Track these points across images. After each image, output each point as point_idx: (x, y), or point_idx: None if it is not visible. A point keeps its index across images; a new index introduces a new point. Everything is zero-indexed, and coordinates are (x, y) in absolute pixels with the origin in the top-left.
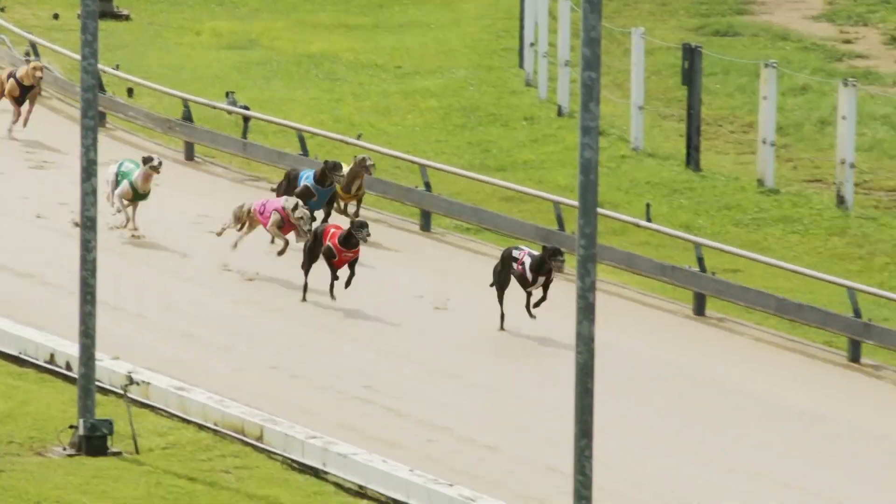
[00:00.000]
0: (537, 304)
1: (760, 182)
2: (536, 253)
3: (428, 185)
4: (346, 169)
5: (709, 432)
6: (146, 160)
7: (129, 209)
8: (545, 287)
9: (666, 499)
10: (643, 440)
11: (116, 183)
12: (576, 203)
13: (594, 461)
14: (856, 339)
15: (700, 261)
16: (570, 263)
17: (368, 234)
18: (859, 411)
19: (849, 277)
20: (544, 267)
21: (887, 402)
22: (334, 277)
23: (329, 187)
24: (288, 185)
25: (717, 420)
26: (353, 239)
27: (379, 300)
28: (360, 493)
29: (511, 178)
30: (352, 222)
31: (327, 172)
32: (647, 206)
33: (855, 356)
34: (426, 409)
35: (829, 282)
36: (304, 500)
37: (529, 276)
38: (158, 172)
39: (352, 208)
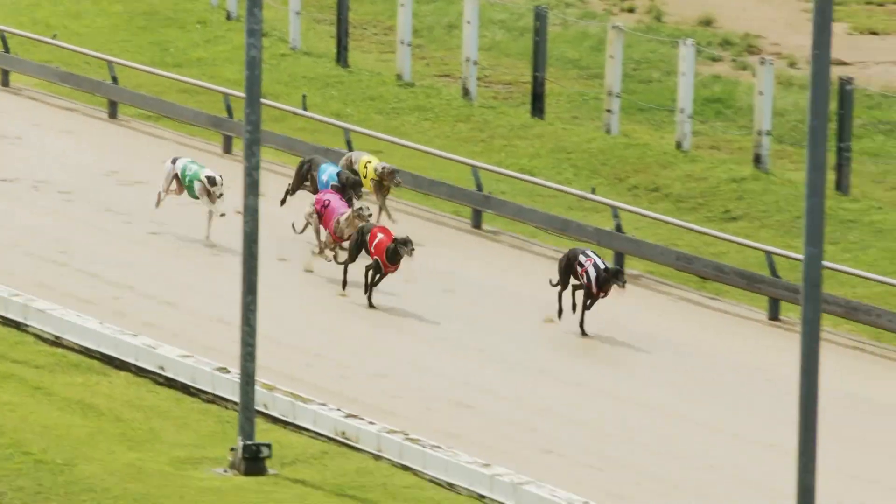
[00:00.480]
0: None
1: (399, 77)
2: (602, 265)
3: (115, 80)
4: (376, 163)
5: None
6: (211, 181)
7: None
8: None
9: None
10: None
11: (181, 182)
12: (242, 94)
13: None
14: (478, 209)
15: (348, 143)
16: (240, 146)
17: (413, 249)
18: (483, 270)
19: (472, 157)
20: (608, 285)
21: (506, 260)
22: (374, 285)
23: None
24: (305, 180)
25: None
26: (398, 255)
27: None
28: (57, 342)
29: (187, 73)
30: (395, 239)
31: (348, 189)
32: (304, 97)
33: (477, 223)
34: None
35: (456, 161)
36: (8, 349)
37: (594, 289)
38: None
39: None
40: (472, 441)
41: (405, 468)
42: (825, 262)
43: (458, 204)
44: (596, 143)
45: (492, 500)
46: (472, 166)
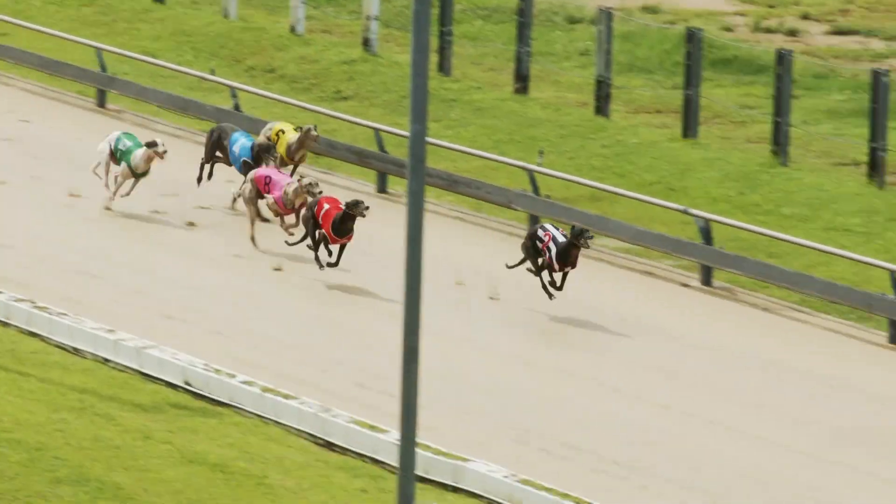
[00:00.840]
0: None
1: None
2: (562, 238)
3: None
4: (291, 136)
5: None
6: (150, 144)
7: (127, 183)
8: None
9: None
10: None
11: (114, 158)
12: None
13: None
14: (102, 88)
15: None
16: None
17: (367, 208)
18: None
19: (96, 40)
20: (571, 254)
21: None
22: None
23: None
24: (214, 146)
25: None
26: (347, 226)
27: None
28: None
29: None
30: (346, 203)
31: (262, 154)
32: None
33: (101, 102)
34: None
35: (81, 43)
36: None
37: (556, 266)
38: (163, 159)
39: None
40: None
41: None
42: (429, 139)
43: (83, 84)
44: (215, 26)
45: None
46: (96, 48)
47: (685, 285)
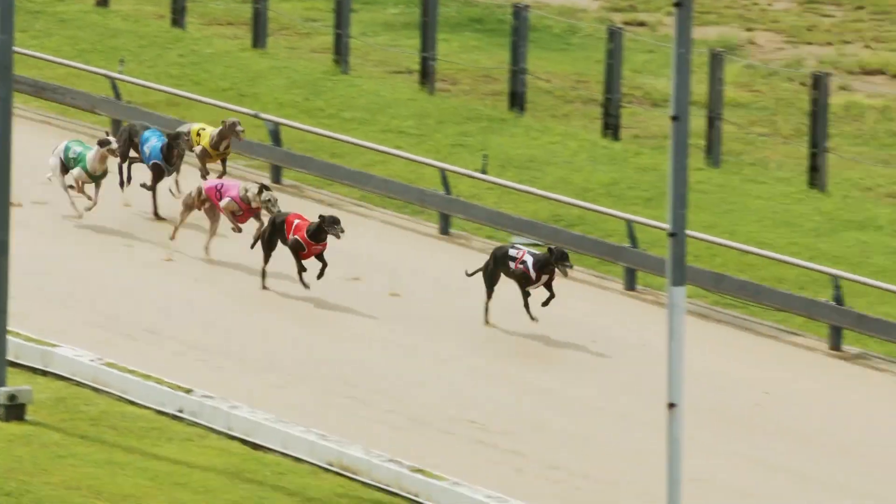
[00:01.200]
0: (546, 303)
1: None
2: (537, 252)
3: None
4: (210, 129)
5: None
6: (102, 143)
7: (89, 188)
8: (548, 285)
9: None
10: None
11: (65, 167)
12: None
13: None
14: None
15: None
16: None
17: (342, 230)
18: None
19: None
20: (548, 267)
21: None
22: (302, 269)
23: (177, 160)
24: (126, 144)
25: None
26: (322, 233)
27: None
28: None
29: None
30: (323, 217)
31: (172, 143)
32: None
33: None
34: None
35: None
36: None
37: (533, 274)
38: (116, 156)
39: (216, 167)
40: None
41: None
42: (15, 48)
43: None
44: None
45: None
46: None
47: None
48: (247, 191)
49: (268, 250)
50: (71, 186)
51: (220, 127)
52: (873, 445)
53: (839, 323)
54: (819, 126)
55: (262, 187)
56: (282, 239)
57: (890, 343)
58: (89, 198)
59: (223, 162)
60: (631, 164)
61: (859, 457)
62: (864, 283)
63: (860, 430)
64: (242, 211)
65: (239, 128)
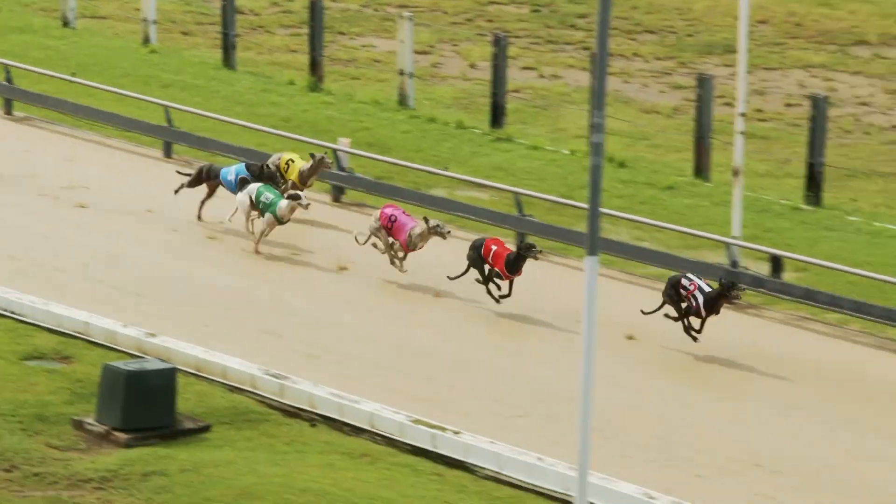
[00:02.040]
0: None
1: None
2: (708, 287)
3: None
4: (302, 164)
5: None
6: (294, 197)
7: (265, 228)
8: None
9: None
10: None
11: (255, 207)
12: None
13: None
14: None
15: None
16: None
17: (540, 251)
18: None
19: None
20: (718, 304)
21: None
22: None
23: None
24: (203, 180)
25: None
26: (520, 263)
27: None
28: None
29: None
30: (520, 245)
31: (264, 179)
32: None
33: None
34: None
35: None
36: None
37: (703, 312)
38: (306, 209)
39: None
40: None
41: None
42: None
43: None
44: None
45: None
46: None
47: None
48: (411, 237)
49: (484, 276)
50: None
51: (311, 162)
52: None
53: None
54: None
55: (436, 227)
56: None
57: None
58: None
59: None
60: None
61: None
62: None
63: None
64: (405, 252)
65: (328, 161)
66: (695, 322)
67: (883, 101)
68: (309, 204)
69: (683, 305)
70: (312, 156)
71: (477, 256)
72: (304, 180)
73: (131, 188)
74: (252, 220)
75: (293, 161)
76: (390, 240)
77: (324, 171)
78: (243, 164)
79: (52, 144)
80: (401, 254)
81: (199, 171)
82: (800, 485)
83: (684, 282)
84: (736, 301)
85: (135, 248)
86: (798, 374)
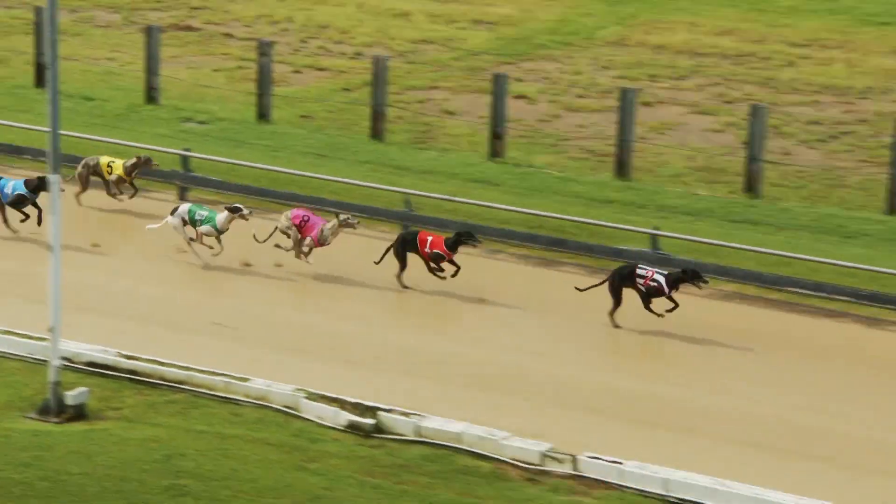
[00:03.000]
0: (671, 310)
1: None
2: (665, 272)
3: None
4: (126, 161)
5: None
6: (234, 209)
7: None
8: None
9: None
10: None
11: (190, 223)
12: None
13: None
14: None
15: None
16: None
17: (479, 240)
18: None
19: None
20: (679, 285)
21: None
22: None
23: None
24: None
25: None
26: (458, 245)
27: None
28: None
29: None
30: (458, 233)
31: (41, 190)
32: None
33: None
34: None
35: None
36: None
37: (667, 290)
38: (247, 220)
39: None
40: None
41: None
42: None
43: None
44: None
45: None
46: None
47: None
48: (322, 231)
49: (401, 263)
50: (192, 239)
51: (135, 160)
52: None
53: None
54: None
55: (346, 219)
56: (417, 251)
57: None
58: (210, 247)
59: (132, 183)
60: None
61: None
62: None
63: None
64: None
65: (153, 164)
66: (658, 301)
67: None
68: (251, 212)
69: (644, 290)
70: (138, 157)
71: (403, 249)
72: (129, 173)
73: None
74: (191, 237)
75: (114, 161)
76: (300, 237)
77: (148, 168)
78: (22, 180)
79: None
80: (306, 248)
81: None
82: None
83: (639, 271)
84: (702, 286)
85: None
86: None
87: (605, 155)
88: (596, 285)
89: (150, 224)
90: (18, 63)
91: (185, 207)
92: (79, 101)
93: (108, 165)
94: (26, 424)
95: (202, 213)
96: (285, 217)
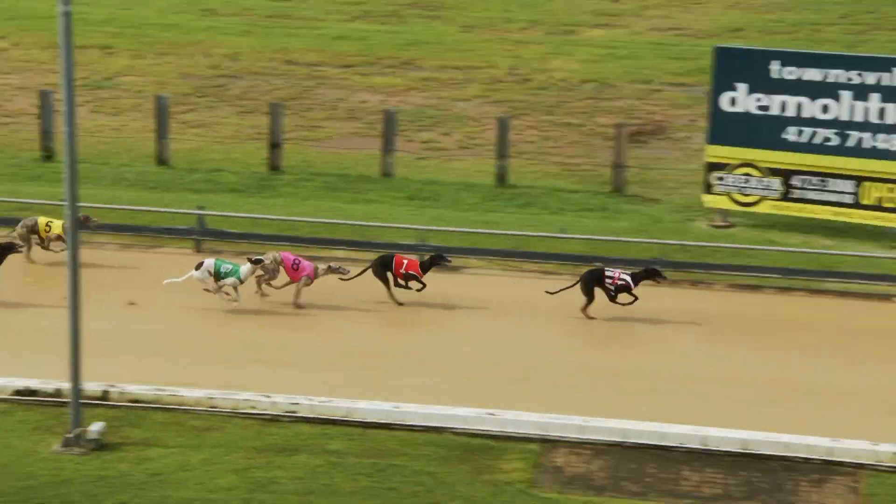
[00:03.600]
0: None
1: None
2: (629, 273)
3: None
4: (62, 222)
5: None
6: (256, 261)
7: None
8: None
9: None
10: None
11: (216, 276)
12: None
13: None
14: None
15: None
16: None
17: (450, 261)
18: None
19: None
20: (640, 281)
21: None
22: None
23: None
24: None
25: None
26: (430, 266)
27: None
28: None
29: None
30: (431, 256)
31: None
32: None
33: None
34: None
35: None
36: None
37: (633, 286)
38: (266, 273)
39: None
40: None
41: None
42: None
43: None
44: None
45: None
46: None
47: None
48: (317, 269)
49: (385, 281)
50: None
51: (83, 218)
52: None
53: None
54: None
55: (338, 268)
56: (392, 272)
57: None
58: (235, 300)
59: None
60: None
61: None
62: None
63: None
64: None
65: (93, 220)
66: (624, 297)
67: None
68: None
69: (612, 289)
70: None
71: (383, 270)
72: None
73: None
74: (215, 288)
75: (52, 222)
76: (286, 280)
77: (88, 225)
78: None
79: None
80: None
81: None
82: None
83: (608, 272)
84: (662, 281)
85: None
86: None
87: None
88: (566, 288)
89: (170, 279)
90: None
91: (210, 262)
92: None
93: (47, 225)
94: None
95: (227, 266)
96: (272, 260)
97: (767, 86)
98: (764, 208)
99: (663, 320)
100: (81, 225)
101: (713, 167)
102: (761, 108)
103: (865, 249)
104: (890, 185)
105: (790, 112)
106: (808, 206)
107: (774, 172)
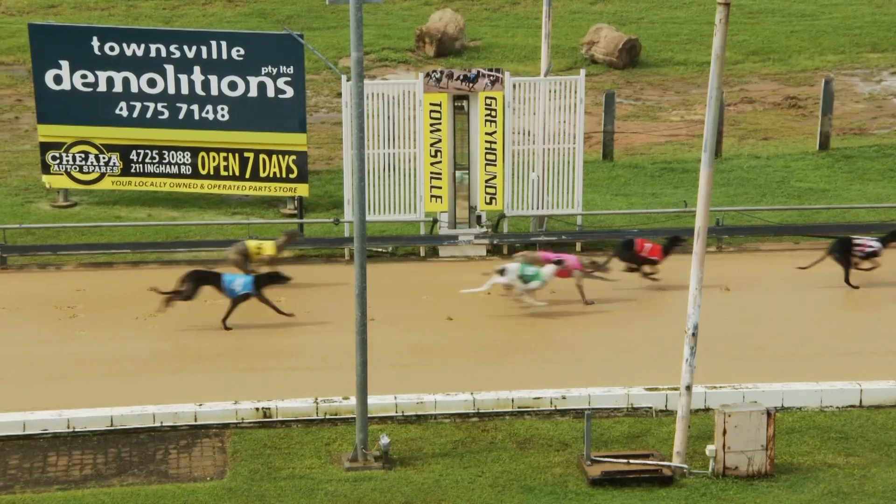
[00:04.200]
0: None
1: None
2: (877, 239)
3: None
4: (274, 241)
5: None
6: (558, 263)
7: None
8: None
9: None
10: None
11: (524, 281)
12: None
13: None
14: None
15: None
16: None
17: (685, 240)
18: None
19: None
20: (888, 244)
21: None
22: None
23: None
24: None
25: None
26: (671, 248)
27: None
28: None
29: None
30: (669, 238)
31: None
32: None
33: None
34: None
35: None
36: None
37: (881, 252)
38: (570, 275)
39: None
40: None
41: None
42: None
43: None
44: None
45: None
46: None
47: None
48: (584, 262)
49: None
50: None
51: (279, 240)
52: None
53: None
54: None
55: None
56: (637, 257)
57: None
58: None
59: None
60: None
61: None
62: None
63: None
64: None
65: (299, 237)
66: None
67: None
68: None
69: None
70: (284, 231)
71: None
72: (280, 250)
73: None
74: (520, 291)
75: (263, 243)
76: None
77: (296, 241)
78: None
79: None
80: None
81: None
82: None
83: (857, 240)
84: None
85: None
86: None
87: None
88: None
89: (467, 289)
90: None
91: (515, 266)
92: None
93: (258, 248)
94: None
95: (531, 269)
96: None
97: (91, 62)
98: (105, 185)
99: None
100: (292, 241)
101: (48, 147)
102: (88, 84)
103: (209, 217)
104: (224, 154)
105: (118, 88)
106: (149, 180)
107: (111, 149)
